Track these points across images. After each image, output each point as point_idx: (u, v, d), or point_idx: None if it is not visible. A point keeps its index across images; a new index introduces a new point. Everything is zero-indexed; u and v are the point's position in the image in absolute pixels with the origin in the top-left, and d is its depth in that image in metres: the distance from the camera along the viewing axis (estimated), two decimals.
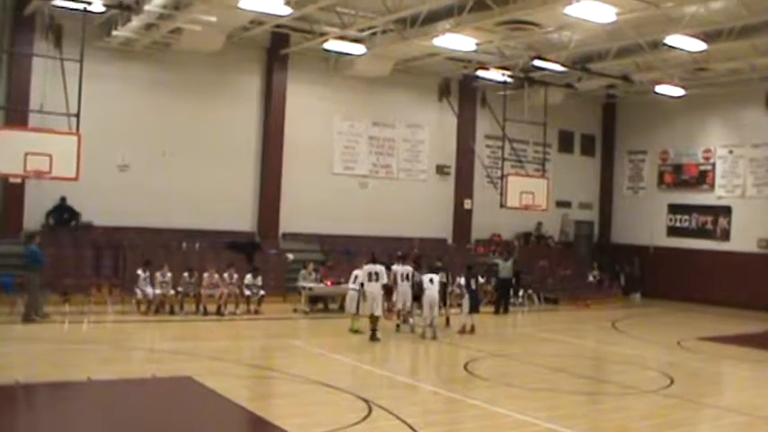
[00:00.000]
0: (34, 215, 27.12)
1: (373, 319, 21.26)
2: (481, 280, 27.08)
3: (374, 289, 21.61)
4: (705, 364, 20.83)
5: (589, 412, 14.97)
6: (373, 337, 21.05)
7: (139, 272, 24.76)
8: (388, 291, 23.21)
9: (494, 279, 30.06)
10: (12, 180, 24.78)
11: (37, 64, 26.09)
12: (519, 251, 35.29)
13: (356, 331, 22.20)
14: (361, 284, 22.14)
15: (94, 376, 14.60)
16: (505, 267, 29.56)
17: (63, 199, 27.37)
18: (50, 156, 21.66)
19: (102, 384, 14.72)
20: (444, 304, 23.82)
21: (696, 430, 14.20)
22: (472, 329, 23.23)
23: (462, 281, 25.01)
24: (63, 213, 27.59)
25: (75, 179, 22.49)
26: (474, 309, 23.71)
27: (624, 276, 37.21)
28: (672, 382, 17.35)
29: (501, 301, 29.28)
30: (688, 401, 15.68)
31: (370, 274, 21.82)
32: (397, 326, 23.21)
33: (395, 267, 23.34)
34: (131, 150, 28.64)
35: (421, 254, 29.28)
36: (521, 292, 31.73)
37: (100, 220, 27.95)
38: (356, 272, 22.91)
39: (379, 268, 22.02)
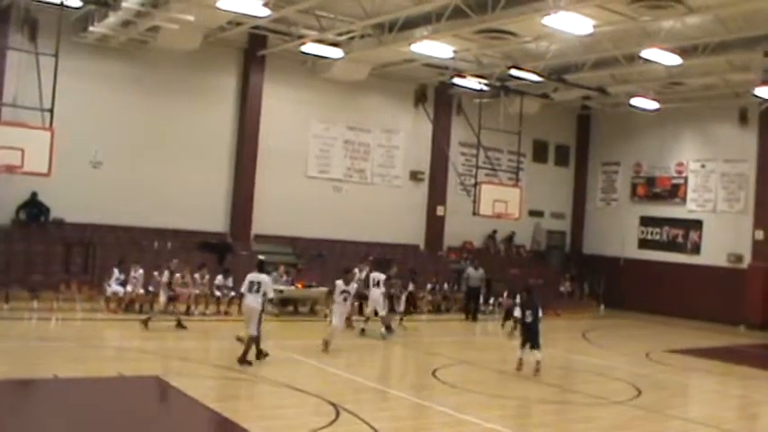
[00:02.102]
0: (4, 209, 26.89)
1: (249, 341, 17.40)
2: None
3: (250, 302, 17.66)
4: (673, 376, 20.92)
5: (557, 421, 14.99)
6: (243, 361, 17.04)
7: (115, 270, 24.59)
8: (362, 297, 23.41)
9: (463, 287, 30.16)
10: None
11: (11, 57, 25.88)
12: (489, 259, 35.37)
13: (240, 339, 18.46)
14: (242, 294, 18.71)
15: (61, 374, 14.49)
16: (475, 276, 29.55)
17: (34, 194, 27.16)
18: (22, 150, 21.45)
19: (69, 382, 14.60)
20: (392, 309, 24.42)
21: None
22: (537, 369, 18.37)
23: (517, 306, 20.55)
24: (34, 209, 27.37)
25: (48, 175, 22.29)
26: (532, 343, 18.68)
27: (588, 287, 37.31)
28: (639, 393, 17.42)
29: (470, 309, 29.32)
30: (655, 413, 15.74)
31: (251, 284, 17.78)
32: (362, 329, 23.09)
33: (373, 274, 23.59)
34: (105, 147, 28.46)
35: (379, 259, 29.26)
36: (491, 300, 31.79)
37: (71, 217, 27.76)
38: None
39: (263, 278, 17.86)
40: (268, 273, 19.15)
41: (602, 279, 36.95)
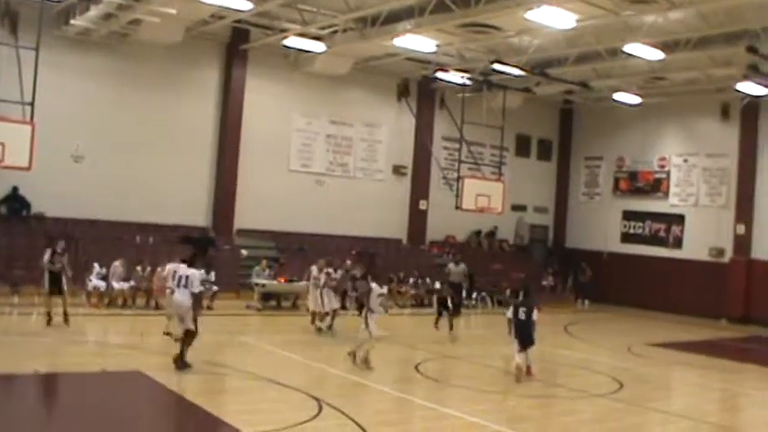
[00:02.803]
0: None
1: (187, 338, 15.98)
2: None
3: (178, 298, 16.30)
4: (654, 369, 21.02)
5: (539, 415, 15.03)
6: (179, 361, 15.70)
7: (95, 265, 24.51)
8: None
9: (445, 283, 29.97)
10: None
11: None
12: (472, 253, 35.42)
13: (169, 334, 18.08)
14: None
15: (43, 369, 14.42)
16: (456, 271, 29.14)
17: (15, 188, 27.03)
18: (3, 144, 21.34)
19: (51, 377, 14.54)
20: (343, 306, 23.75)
21: None
22: (528, 370, 17.54)
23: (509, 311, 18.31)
24: (15, 203, 27.24)
25: (28, 169, 22.19)
26: (525, 341, 17.61)
27: (573, 282, 37.34)
28: (621, 386, 17.49)
29: (440, 311, 28.35)
30: (636, 406, 15.80)
31: (179, 279, 16.39)
32: (319, 328, 22.25)
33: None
34: (86, 141, 28.31)
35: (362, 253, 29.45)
36: (474, 295, 31.81)
37: (52, 211, 27.62)
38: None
39: (191, 272, 16.40)
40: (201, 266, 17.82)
41: (584, 273, 36.88)
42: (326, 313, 22.33)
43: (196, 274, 16.55)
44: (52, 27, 26.47)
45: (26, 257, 25.36)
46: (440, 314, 25.04)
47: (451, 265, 28.56)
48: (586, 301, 35.84)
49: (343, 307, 23.80)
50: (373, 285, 17.77)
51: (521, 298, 18.89)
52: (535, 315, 17.60)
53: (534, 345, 17.59)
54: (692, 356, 23.36)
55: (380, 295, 17.69)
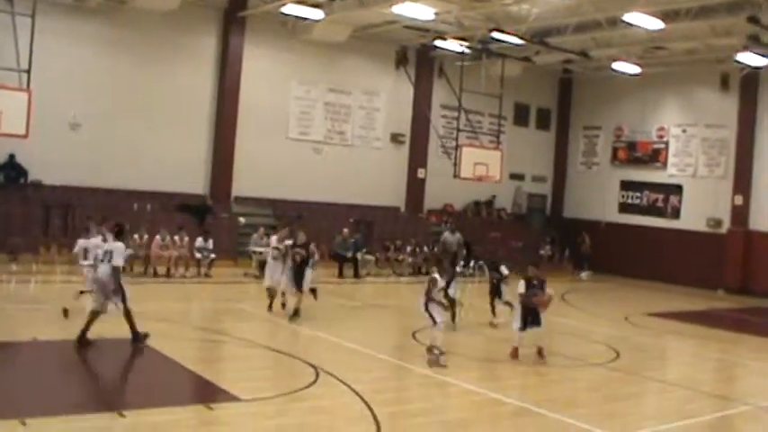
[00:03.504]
0: None
1: (91, 316, 14.64)
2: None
3: (100, 273, 15.03)
4: (651, 338, 21.09)
5: (535, 383, 15.08)
6: (82, 340, 14.44)
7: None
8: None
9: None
10: None
11: None
12: (470, 222, 35.43)
13: (67, 311, 16.96)
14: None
15: (40, 336, 14.44)
16: (452, 240, 28.74)
17: (11, 156, 26.97)
18: None
19: (48, 345, 14.55)
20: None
21: (640, 403, 14.37)
22: (540, 352, 16.42)
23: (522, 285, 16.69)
24: (12, 171, 27.19)
25: (25, 136, 22.18)
26: (535, 320, 16.39)
27: (572, 251, 37.30)
28: (618, 355, 17.56)
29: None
30: (633, 375, 15.86)
31: (104, 253, 15.11)
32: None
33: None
34: (83, 109, 28.21)
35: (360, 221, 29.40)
36: (471, 263, 31.82)
37: (49, 179, 27.58)
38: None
39: (116, 246, 15.08)
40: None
41: (589, 244, 36.69)
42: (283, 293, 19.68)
43: (120, 247, 15.12)
44: None
45: (23, 225, 25.40)
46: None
47: (447, 234, 28.24)
48: (587, 272, 35.75)
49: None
50: (437, 276, 16.02)
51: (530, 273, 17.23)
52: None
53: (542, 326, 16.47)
54: (689, 326, 23.41)
55: (441, 289, 16.36)
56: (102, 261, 14.93)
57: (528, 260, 31.83)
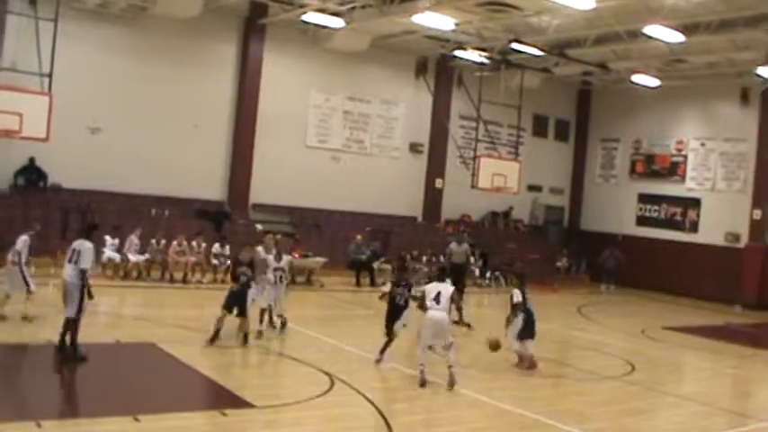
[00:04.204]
0: (2, 175, 26.89)
1: (66, 325, 13.89)
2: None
3: (67, 274, 14.11)
4: (667, 353, 21.01)
5: (550, 395, 15.05)
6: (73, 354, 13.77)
7: (107, 237, 24.63)
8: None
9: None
10: None
11: (11, 22, 25.65)
12: (487, 233, 35.43)
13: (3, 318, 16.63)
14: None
15: (56, 340, 14.50)
16: (459, 251, 28.31)
17: (32, 159, 27.13)
18: (21, 115, 21.48)
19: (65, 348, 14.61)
20: None
21: (655, 418, 14.30)
22: (532, 365, 16.38)
23: (516, 294, 16.88)
24: (32, 174, 27.36)
25: (46, 140, 22.35)
26: (528, 334, 16.52)
27: (587, 263, 37.15)
28: (633, 369, 17.50)
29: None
30: (648, 389, 15.79)
31: (71, 254, 14.16)
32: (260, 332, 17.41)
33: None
34: (103, 113, 28.35)
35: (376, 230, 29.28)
36: (487, 274, 31.85)
37: (69, 183, 27.72)
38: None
39: (84, 246, 14.08)
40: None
41: (615, 258, 36.42)
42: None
43: (88, 248, 14.06)
44: None
45: (42, 228, 25.44)
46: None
47: (454, 245, 27.98)
48: (610, 287, 35.48)
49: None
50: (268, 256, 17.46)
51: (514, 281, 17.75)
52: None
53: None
54: (706, 341, 23.30)
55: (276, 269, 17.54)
56: (69, 261, 13.97)
57: (544, 270, 31.99)
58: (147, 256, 24.99)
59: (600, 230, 39.15)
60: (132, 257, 24.74)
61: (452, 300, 14.69)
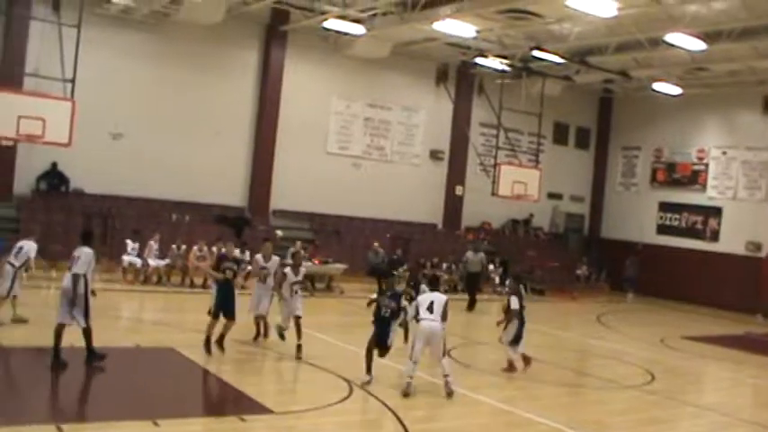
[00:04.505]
0: (25, 179, 27.13)
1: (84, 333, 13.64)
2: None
3: (64, 281, 13.91)
4: (687, 362, 20.92)
5: (568, 404, 15.02)
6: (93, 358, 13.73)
7: (128, 242, 24.77)
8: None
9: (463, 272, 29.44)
10: (4, 143, 24.67)
11: (34, 27, 25.92)
12: (507, 241, 35.41)
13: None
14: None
15: (77, 343, 14.57)
16: (474, 260, 28.33)
17: (54, 164, 27.33)
18: (44, 120, 21.60)
19: (85, 351, 14.68)
20: None
21: (674, 428, 14.25)
22: (527, 362, 16.58)
23: (514, 301, 16.78)
24: (54, 179, 27.55)
25: (68, 145, 22.45)
26: (516, 339, 16.50)
27: (609, 272, 37.00)
28: (653, 378, 17.43)
29: (469, 297, 27.22)
30: (668, 399, 15.73)
31: (71, 260, 13.97)
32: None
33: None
34: (125, 119, 28.54)
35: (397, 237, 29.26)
36: (507, 282, 31.76)
37: (90, 188, 27.93)
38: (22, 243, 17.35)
39: (83, 252, 13.91)
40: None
41: (635, 266, 36.34)
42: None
43: (86, 253, 13.87)
44: (94, 5, 26.70)
45: (64, 233, 25.64)
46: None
47: (470, 254, 28.01)
48: (631, 295, 35.34)
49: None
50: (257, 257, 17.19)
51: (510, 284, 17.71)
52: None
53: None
54: (726, 351, 23.18)
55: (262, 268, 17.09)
56: (69, 269, 13.74)
57: (563, 278, 31.88)
58: (167, 261, 25.10)
59: (620, 239, 39.03)
60: (152, 262, 24.88)
61: (446, 309, 14.14)
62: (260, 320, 17.28)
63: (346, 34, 29.70)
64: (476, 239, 33.60)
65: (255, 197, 31.34)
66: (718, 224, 35.83)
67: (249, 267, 25.44)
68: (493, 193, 30.81)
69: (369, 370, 14.02)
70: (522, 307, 16.50)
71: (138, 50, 28.82)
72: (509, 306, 16.68)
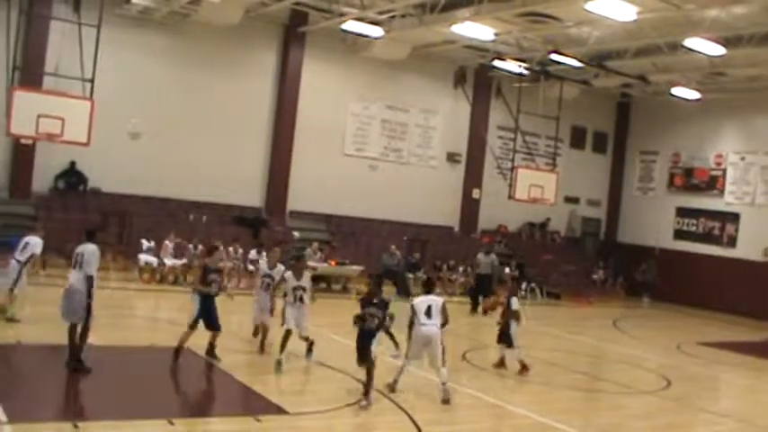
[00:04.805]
0: (43, 178, 27.27)
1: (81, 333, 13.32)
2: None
3: (71, 280, 13.53)
4: (704, 368, 20.83)
5: (583, 409, 14.99)
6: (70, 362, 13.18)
7: (143, 241, 24.85)
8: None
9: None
10: (23, 141, 24.84)
11: (54, 27, 26.08)
12: (523, 244, 35.38)
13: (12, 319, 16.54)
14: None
15: (93, 342, 14.63)
16: (485, 262, 28.20)
17: (73, 163, 27.47)
18: (62, 119, 21.73)
19: (100, 350, 14.73)
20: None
21: None
22: (502, 364, 16.78)
23: (515, 301, 17.00)
24: (72, 177, 27.68)
25: (87, 144, 22.57)
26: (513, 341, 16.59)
27: (627, 277, 36.93)
28: (669, 384, 17.36)
29: (475, 299, 26.83)
30: (684, 405, 15.68)
31: (75, 257, 13.69)
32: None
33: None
34: (143, 119, 28.66)
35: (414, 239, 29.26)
36: (523, 285, 31.75)
37: (108, 187, 28.05)
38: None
39: (89, 249, 13.51)
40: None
41: (653, 270, 36.26)
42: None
43: (92, 250, 13.42)
44: (114, 5, 26.83)
45: (81, 231, 25.69)
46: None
47: (480, 255, 28.00)
48: (646, 299, 35.22)
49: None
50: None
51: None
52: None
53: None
54: (743, 357, 23.07)
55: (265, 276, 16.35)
56: (73, 267, 13.35)
57: (580, 282, 31.76)
58: (183, 260, 25.17)
59: (637, 243, 38.91)
60: (169, 262, 24.95)
61: (446, 312, 13.90)
62: (261, 327, 16.67)
63: (365, 36, 29.73)
64: (493, 242, 33.57)
65: (272, 198, 31.40)
66: (736, 230, 35.68)
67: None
68: (510, 197, 30.77)
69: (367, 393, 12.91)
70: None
71: (157, 51, 28.94)
72: (509, 307, 16.69)
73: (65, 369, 12.98)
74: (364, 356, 13.09)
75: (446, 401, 13.47)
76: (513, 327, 16.50)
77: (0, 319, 16.26)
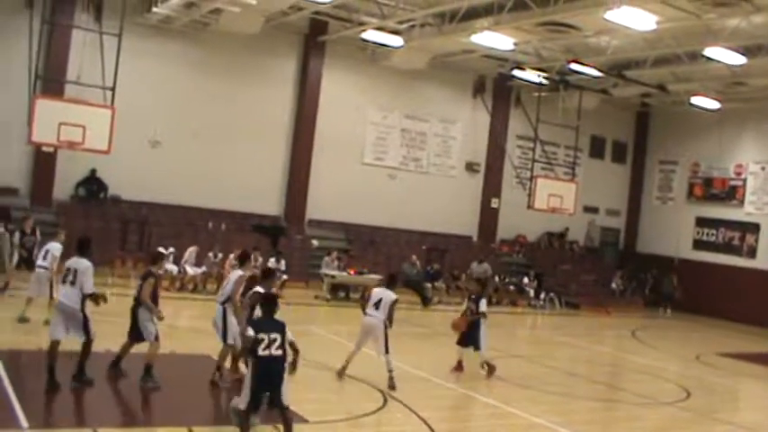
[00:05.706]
0: (64, 185, 27.45)
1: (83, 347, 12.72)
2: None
3: (62, 298, 12.84)
4: (723, 379, 20.73)
5: (602, 419, 14.95)
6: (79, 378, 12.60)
7: (161, 249, 24.92)
8: None
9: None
10: (44, 149, 25.01)
11: (76, 36, 26.27)
12: (542, 253, 35.33)
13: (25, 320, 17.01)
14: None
15: (113, 348, 14.70)
16: (478, 271, 28.43)
17: (93, 171, 27.64)
18: (84, 127, 21.90)
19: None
20: None
21: None
22: (491, 370, 16.80)
23: (483, 303, 17.07)
24: (93, 185, 27.85)
25: (107, 152, 22.73)
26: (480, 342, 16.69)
27: (649, 287, 36.80)
28: (688, 395, 17.29)
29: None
30: (703, 416, 15.63)
31: (66, 272, 12.87)
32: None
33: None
34: (164, 127, 28.81)
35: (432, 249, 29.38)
36: (542, 295, 31.73)
37: (128, 195, 28.19)
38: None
39: (82, 265, 12.73)
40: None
41: (675, 282, 36.12)
42: None
43: (86, 267, 12.71)
44: (135, 14, 27.02)
45: (101, 239, 25.84)
46: None
47: (474, 265, 28.53)
48: (668, 310, 35.10)
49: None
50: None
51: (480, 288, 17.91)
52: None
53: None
54: (763, 369, 22.96)
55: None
56: (64, 282, 12.62)
57: (598, 292, 31.70)
58: (203, 268, 25.26)
59: (656, 253, 38.76)
60: (189, 270, 25.05)
61: (392, 310, 14.75)
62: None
63: (384, 45, 29.78)
64: (517, 252, 33.63)
65: (291, 206, 31.47)
66: (756, 240, 35.47)
67: (285, 276, 25.72)
68: (528, 206, 30.78)
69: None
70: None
71: (177, 59, 29.09)
72: (478, 309, 16.80)
73: (83, 377, 13.02)
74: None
75: (392, 387, 14.16)
76: (483, 328, 16.63)
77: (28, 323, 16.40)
